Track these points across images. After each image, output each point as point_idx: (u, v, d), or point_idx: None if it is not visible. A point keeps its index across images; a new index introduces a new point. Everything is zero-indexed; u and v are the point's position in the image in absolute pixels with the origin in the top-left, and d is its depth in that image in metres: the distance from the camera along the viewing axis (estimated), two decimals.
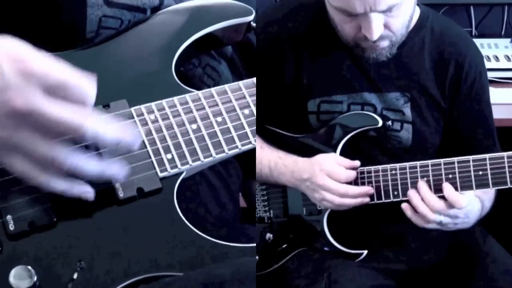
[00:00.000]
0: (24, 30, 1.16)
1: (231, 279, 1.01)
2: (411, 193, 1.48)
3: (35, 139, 0.96)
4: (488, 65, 2.26)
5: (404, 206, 1.49)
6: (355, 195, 1.53)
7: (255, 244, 1.12)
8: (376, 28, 1.44)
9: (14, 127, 0.95)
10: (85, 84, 0.99)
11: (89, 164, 1.01)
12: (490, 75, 2.19)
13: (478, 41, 2.36)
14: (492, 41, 2.48)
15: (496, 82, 2.26)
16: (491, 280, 1.53)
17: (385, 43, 1.50)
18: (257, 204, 1.68)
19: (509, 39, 2.50)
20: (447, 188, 1.45)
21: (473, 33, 2.61)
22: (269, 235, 1.67)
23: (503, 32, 2.63)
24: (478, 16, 2.63)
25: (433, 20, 1.63)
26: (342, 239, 1.60)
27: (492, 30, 2.63)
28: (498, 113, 1.78)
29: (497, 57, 2.38)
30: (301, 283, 1.55)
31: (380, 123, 1.57)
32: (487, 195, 1.60)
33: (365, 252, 1.58)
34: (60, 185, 1.01)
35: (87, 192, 1.03)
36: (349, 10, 1.43)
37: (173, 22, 1.24)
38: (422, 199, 1.46)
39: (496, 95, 2.10)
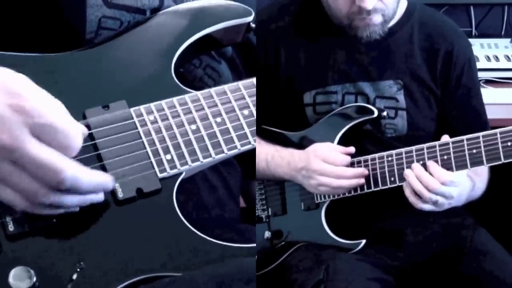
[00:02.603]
0: (24, 30, 1.17)
1: (231, 279, 1.01)
2: (408, 172, 1.50)
3: (17, 173, 0.96)
4: (488, 65, 2.27)
5: (405, 184, 1.50)
6: (351, 176, 1.55)
7: (255, 244, 1.12)
8: None
9: None
10: (73, 130, 0.99)
11: (70, 199, 1.01)
12: (490, 75, 2.21)
13: (478, 41, 2.38)
14: (492, 41, 2.48)
15: (496, 82, 2.26)
16: (488, 276, 1.54)
17: (378, 18, 1.54)
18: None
19: (509, 39, 2.50)
20: (432, 165, 1.47)
21: (473, 33, 2.61)
22: (267, 233, 1.68)
23: (503, 32, 2.63)
24: (478, 16, 2.63)
25: (420, 11, 1.69)
26: (340, 232, 1.61)
27: (492, 30, 2.63)
28: (498, 113, 1.79)
29: (497, 57, 2.38)
30: (299, 277, 1.56)
31: (375, 113, 1.58)
32: (480, 177, 1.64)
33: (363, 241, 1.59)
34: (44, 211, 1.01)
35: (72, 210, 1.04)
36: None
37: (172, 23, 1.24)
38: (418, 179, 1.48)
39: (496, 95, 2.11)
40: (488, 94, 1.73)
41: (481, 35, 2.59)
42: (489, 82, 2.20)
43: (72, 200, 1.01)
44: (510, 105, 2.18)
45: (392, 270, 1.59)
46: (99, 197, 1.05)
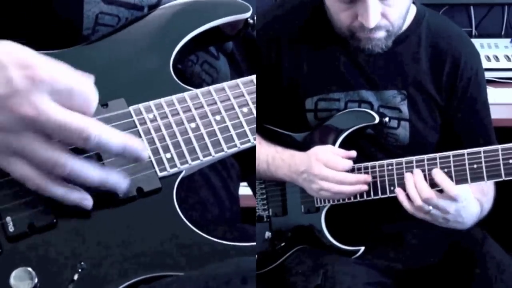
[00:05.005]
0: (20, 26, 1.17)
1: (231, 279, 1.00)
2: (407, 175, 1.49)
3: (38, 143, 0.97)
4: (488, 65, 2.28)
5: (398, 190, 1.50)
6: (353, 182, 1.54)
7: (254, 243, 1.12)
8: (373, 14, 1.45)
9: (19, 132, 0.97)
10: (90, 90, 1.01)
11: (90, 170, 1.01)
12: (490, 75, 2.21)
13: (478, 41, 2.38)
14: (492, 41, 2.48)
15: (496, 82, 2.27)
16: (488, 280, 1.53)
17: (381, 34, 1.51)
18: (256, 202, 1.69)
19: (509, 39, 2.50)
20: (438, 174, 1.46)
21: (473, 33, 2.61)
22: (268, 234, 1.67)
23: (503, 32, 2.64)
24: (478, 16, 2.64)
25: (429, 18, 1.65)
26: (339, 236, 1.61)
27: (492, 30, 2.63)
28: (498, 113, 1.79)
29: (497, 57, 2.38)
30: (298, 280, 1.56)
31: (377, 119, 1.57)
32: (486, 197, 1.61)
33: (362, 248, 1.59)
34: (59, 190, 1.01)
35: (86, 199, 1.04)
36: None
37: (170, 19, 1.23)
38: (414, 184, 1.47)
39: (496, 95, 2.11)
40: (488, 94, 1.72)
41: (481, 35, 2.60)
42: (489, 82, 2.19)
43: (93, 173, 1.01)
44: (510, 105, 2.19)
45: (392, 274, 1.58)
46: (123, 182, 1.05)
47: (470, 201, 1.51)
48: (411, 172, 1.49)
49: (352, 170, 1.57)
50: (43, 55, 1.00)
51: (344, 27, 1.53)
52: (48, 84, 0.96)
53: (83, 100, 1.00)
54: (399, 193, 1.49)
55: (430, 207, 1.46)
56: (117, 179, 1.04)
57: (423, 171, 1.49)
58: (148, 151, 1.11)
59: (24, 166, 0.99)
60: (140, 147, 1.04)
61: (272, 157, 1.62)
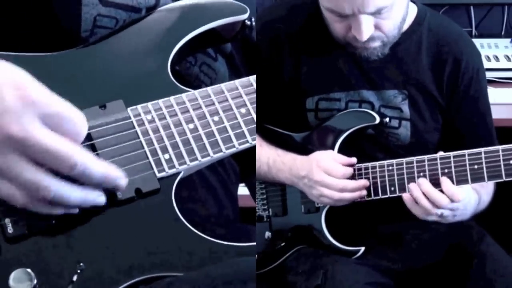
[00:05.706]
0: (18, 29, 1.17)
1: (231, 279, 1.01)
2: (412, 186, 1.49)
3: (23, 165, 0.97)
4: (488, 65, 2.28)
5: (406, 196, 1.50)
6: (353, 189, 1.55)
7: (254, 243, 1.12)
8: (366, 29, 1.46)
9: (5, 152, 0.96)
10: (79, 119, 1.01)
11: (73, 194, 1.01)
12: (490, 75, 2.21)
13: (478, 41, 2.37)
14: (492, 41, 2.49)
15: (496, 82, 2.27)
16: (488, 280, 1.53)
17: (375, 44, 1.52)
18: (256, 202, 1.69)
19: (509, 39, 2.51)
20: (445, 182, 1.46)
21: (473, 33, 2.62)
22: (268, 234, 1.67)
23: (503, 32, 2.64)
24: (478, 16, 2.64)
25: (430, 19, 1.64)
26: (340, 236, 1.61)
27: (492, 30, 2.64)
28: (498, 113, 1.78)
29: (497, 57, 2.39)
30: (298, 280, 1.56)
31: (377, 120, 1.57)
32: (485, 189, 1.62)
33: (362, 249, 1.59)
34: (44, 209, 1.01)
35: (72, 212, 1.04)
36: (338, 11, 1.45)
37: (167, 21, 1.23)
38: (424, 194, 1.47)
39: (496, 95, 2.11)
40: (488, 94, 1.73)
41: (481, 35, 2.60)
42: (489, 82, 2.18)
43: (75, 195, 1.01)
44: (510, 105, 2.19)
45: (392, 274, 1.58)
46: (101, 199, 1.04)
47: (470, 193, 1.52)
48: (413, 176, 1.50)
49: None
50: (38, 83, 1.00)
51: (339, 36, 1.55)
52: (40, 107, 0.96)
53: (73, 127, 1.00)
54: (408, 200, 1.49)
55: (443, 210, 1.46)
56: (96, 197, 1.04)
57: (424, 171, 1.49)
58: (147, 152, 1.11)
59: (9, 186, 0.98)
60: (119, 175, 1.05)
61: (273, 160, 1.62)
